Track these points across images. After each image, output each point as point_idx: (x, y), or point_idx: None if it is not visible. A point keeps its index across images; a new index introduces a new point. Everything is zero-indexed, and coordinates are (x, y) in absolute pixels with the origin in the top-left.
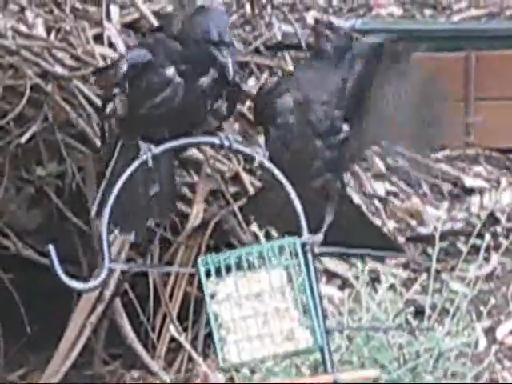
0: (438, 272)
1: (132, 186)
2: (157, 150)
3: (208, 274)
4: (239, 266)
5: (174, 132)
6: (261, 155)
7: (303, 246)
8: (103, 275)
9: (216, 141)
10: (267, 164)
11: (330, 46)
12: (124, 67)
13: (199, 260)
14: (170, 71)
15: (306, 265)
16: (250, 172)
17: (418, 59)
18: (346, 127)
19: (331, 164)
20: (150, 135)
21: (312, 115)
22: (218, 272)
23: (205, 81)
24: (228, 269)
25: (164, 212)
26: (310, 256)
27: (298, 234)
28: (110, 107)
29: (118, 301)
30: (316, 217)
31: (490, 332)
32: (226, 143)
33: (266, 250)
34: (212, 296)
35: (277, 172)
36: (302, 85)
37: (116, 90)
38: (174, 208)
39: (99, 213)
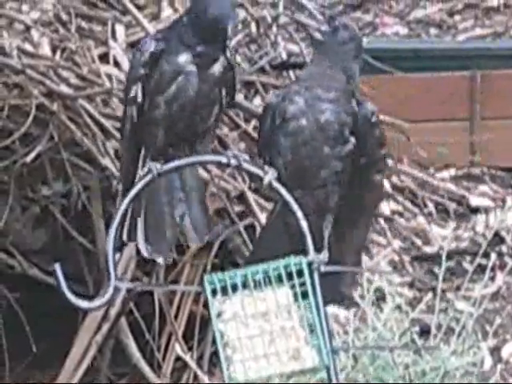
0: (443, 291)
1: (158, 206)
2: (162, 168)
3: (214, 293)
4: (245, 285)
5: (190, 127)
6: (269, 175)
7: (309, 264)
8: (110, 293)
9: (223, 159)
10: (275, 184)
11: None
12: (152, 46)
13: (206, 278)
14: (183, 58)
15: (312, 284)
16: (256, 191)
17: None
18: (353, 140)
19: (335, 176)
20: (168, 134)
21: (322, 116)
22: (224, 291)
23: (216, 69)
24: (234, 287)
25: (200, 231)
26: (316, 275)
27: (304, 252)
28: (133, 90)
29: (123, 320)
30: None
31: (495, 351)
32: (234, 162)
33: (271, 269)
34: (218, 315)
35: (284, 192)
36: (311, 84)
37: (142, 71)
38: (208, 226)
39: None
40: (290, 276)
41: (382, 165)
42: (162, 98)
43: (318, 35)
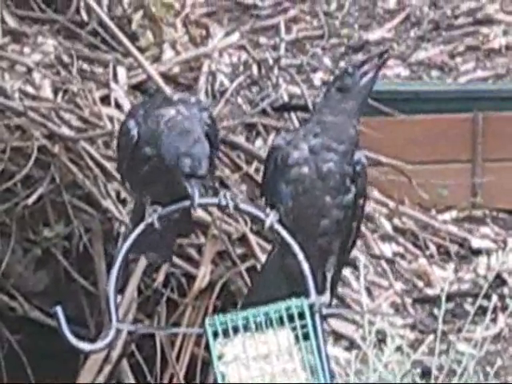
0: (444, 333)
1: None
2: (163, 211)
3: (215, 335)
4: (246, 327)
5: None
6: (271, 217)
7: (311, 307)
8: (111, 336)
9: (223, 202)
10: (277, 226)
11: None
12: (136, 132)
13: (207, 321)
14: (149, 151)
15: (314, 326)
16: (257, 233)
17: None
18: (353, 189)
19: (336, 225)
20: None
21: (324, 166)
22: (226, 333)
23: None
24: (235, 330)
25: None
26: (317, 317)
27: (305, 294)
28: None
29: (124, 362)
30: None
31: None
32: (231, 204)
33: (273, 311)
34: (219, 357)
35: (286, 234)
36: (323, 132)
37: (128, 154)
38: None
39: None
40: (291, 318)
41: (359, 213)
42: (139, 169)
43: (346, 81)
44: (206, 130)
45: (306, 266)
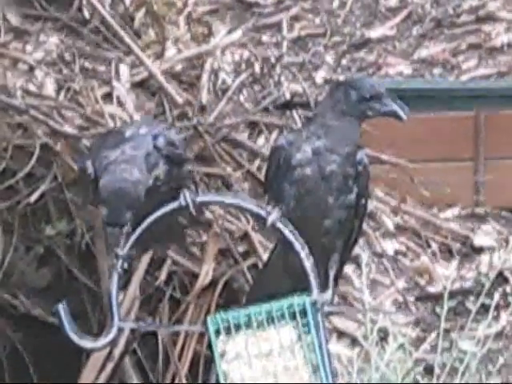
0: (447, 331)
1: None
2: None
3: (218, 333)
4: (249, 325)
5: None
6: (273, 215)
7: (313, 304)
8: (113, 334)
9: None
10: (279, 224)
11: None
12: (92, 171)
13: (209, 319)
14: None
15: (316, 323)
16: (259, 231)
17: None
18: (356, 189)
19: (339, 225)
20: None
21: (327, 167)
22: (228, 330)
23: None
24: (237, 327)
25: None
26: (319, 315)
27: (308, 292)
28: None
29: (127, 360)
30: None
31: None
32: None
33: (275, 309)
34: (222, 355)
35: (287, 232)
36: (327, 135)
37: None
38: None
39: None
40: (293, 315)
41: (361, 211)
42: None
43: (352, 97)
44: (164, 155)
45: (308, 264)
